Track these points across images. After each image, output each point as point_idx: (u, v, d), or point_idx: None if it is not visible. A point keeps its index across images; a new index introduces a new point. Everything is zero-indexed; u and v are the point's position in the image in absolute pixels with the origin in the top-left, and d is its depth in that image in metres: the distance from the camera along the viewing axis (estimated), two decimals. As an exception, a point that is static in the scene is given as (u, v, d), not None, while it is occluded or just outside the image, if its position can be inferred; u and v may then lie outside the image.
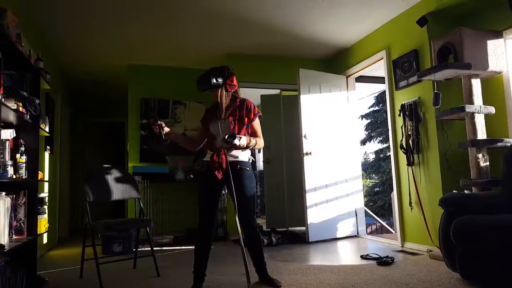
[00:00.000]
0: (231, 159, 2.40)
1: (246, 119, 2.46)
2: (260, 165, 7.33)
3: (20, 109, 2.27)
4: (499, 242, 2.12)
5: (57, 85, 4.84)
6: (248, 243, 2.46)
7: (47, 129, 2.95)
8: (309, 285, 2.47)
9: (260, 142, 2.51)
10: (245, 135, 2.43)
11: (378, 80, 5.04)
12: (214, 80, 2.37)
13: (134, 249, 3.38)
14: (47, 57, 3.95)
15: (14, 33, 2.27)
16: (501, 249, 2.12)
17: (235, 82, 2.47)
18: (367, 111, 16.09)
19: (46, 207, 2.91)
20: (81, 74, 5.40)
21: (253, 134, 2.50)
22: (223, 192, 2.56)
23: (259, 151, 6.09)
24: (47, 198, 3.04)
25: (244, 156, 2.47)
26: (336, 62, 5.00)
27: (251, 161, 2.51)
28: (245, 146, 2.35)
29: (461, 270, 2.37)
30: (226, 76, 2.42)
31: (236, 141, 2.25)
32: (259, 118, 2.52)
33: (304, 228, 4.35)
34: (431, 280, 2.49)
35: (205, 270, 2.42)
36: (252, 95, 5.55)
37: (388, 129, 4.10)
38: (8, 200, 2.18)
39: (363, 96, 7.00)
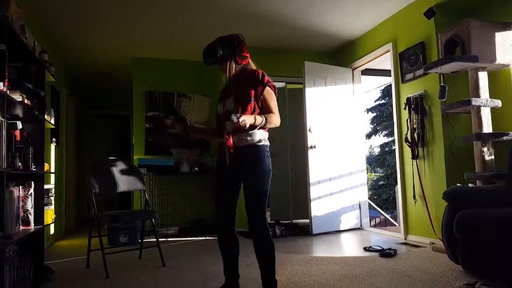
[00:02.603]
0: (240, 144, 1.98)
1: (252, 91, 1.99)
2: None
3: (25, 101, 2.29)
4: (502, 236, 2.11)
5: (62, 78, 4.87)
6: (255, 248, 2.02)
7: (52, 121, 2.98)
8: (312, 276, 2.50)
9: (273, 119, 1.99)
10: (253, 112, 1.97)
11: (384, 73, 4.99)
12: (221, 52, 2.02)
13: (139, 240, 3.42)
14: (52, 50, 3.97)
15: (18, 25, 2.28)
16: (504, 242, 2.12)
17: (246, 52, 2.07)
18: (373, 104, 16.01)
19: (52, 198, 2.96)
20: (86, 67, 5.42)
21: (264, 109, 2.00)
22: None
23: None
24: (53, 190, 3.09)
25: (255, 137, 1.99)
26: (342, 54, 4.96)
27: (265, 144, 2.03)
28: (248, 125, 1.86)
29: (463, 262, 2.37)
30: (235, 45, 2.04)
31: (234, 119, 1.80)
32: (271, 89, 2.03)
33: (307, 220, 4.36)
34: (434, 272, 2.50)
35: (232, 272, 2.08)
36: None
37: (393, 123, 4.08)
38: (15, 191, 2.22)
39: (369, 89, 6.97)
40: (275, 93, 2.04)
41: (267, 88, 2.00)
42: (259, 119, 1.91)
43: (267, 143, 2.05)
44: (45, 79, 2.76)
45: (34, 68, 2.60)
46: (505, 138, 2.94)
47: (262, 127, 1.96)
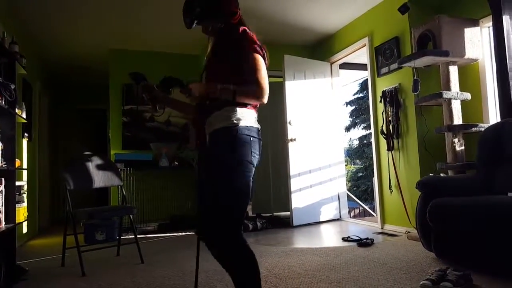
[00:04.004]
0: (210, 129, 1.49)
1: (229, 53, 1.49)
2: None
3: (-6, 94, 2.20)
4: (472, 223, 2.21)
5: (35, 71, 4.69)
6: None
7: (24, 115, 2.87)
8: (292, 267, 2.53)
9: (249, 90, 1.44)
10: (224, 81, 1.43)
11: (362, 67, 5.08)
12: (198, 8, 1.53)
13: (117, 237, 3.37)
14: (24, 42, 3.81)
15: (-16, 15, 2.18)
16: (473, 229, 2.22)
17: (235, 7, 1.59)
18: (352, 98, 16.27)
19: (25, 195, 2.86)
20: (60, 59, 5.24)
21: (241, 77, 1.44)
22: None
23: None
24: (25, 187, 2.99)
25: (219, 119, 1.46)
26: (321, 48, 5.00)
27: (243, 125, 1.44)
28: (202, 93, 1.45)
29: (436, 249, 2.47)
30: None
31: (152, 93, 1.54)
32: (257, 52, 1.46)
33: (288, 213, 4.41)
34: (408, 259, 2.58)
35: None
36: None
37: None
38: (-16, 189, 2.14)
39: (347, 83, 7.07)
40: (264, 57, 1.49)
41: (250, 52, 1.45)
42: (223, 87, 1.41)
43: (249, 123, 1.46)
44: (15, 72, 2.65)
45: (3, 60, 2.51)
46: (474, 129, 3.06)
47: (235, 100, 1.42)
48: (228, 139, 1.43)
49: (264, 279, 2.30)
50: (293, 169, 4.34)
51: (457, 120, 3.11)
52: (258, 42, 1.49)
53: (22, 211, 2.68)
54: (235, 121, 1.43)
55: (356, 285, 2.09)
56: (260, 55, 1.47)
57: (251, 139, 1.45)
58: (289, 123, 4.36)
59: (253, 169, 1.48)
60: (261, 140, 1.52)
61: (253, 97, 1.46)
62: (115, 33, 4.44)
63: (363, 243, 3.15)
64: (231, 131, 1.43)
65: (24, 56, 2.90)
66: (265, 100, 1.45)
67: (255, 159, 1.48)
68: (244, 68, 1.44)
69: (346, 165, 5.12)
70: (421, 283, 1.98)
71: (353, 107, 16.26)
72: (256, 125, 1.51)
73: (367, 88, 5.76)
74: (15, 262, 2.58)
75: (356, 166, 16.65)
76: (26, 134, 4.16)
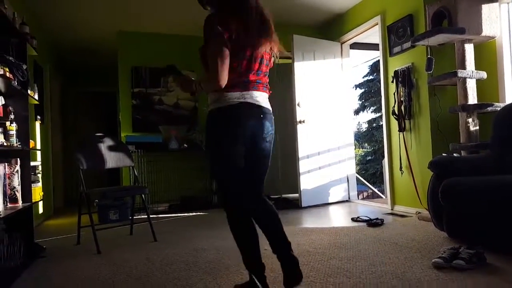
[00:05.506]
0: None
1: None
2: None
3: (7, 74, 2.21)
4: (484, 202, 2.20)
5: (45, 54, 4.70)
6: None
7: (36, 97, 2.89)
8: (301, 245, 2.56)
9: (206, 83, 1.62)
10: None
11: (373, 47, 4.98)
12: None
13: (130, 217, 3.43)
14: (34, 24, 3.81)
15: (-5, -5, 2.18)
16: (485, 208, 2.21)
17: None
18: (361, 80, 16.05)
19: (39, 175, 2.92)
20: (70, 42, 5.23)
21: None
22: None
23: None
24: (40, 167, 3.04)
25: (209, 102, 1.68)
26: (331, 28, 4.91)
27: (213, 107, 1.63)
28: (185, 90, 1.71)
29: (448, 228, 2.47)
30: None
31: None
32: (214, 38, 1.55)
33: (297, 194, 4.43)
34: (419, 239, 2.58)
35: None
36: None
37: (381, 98, 4.11)
38: (0, 168, 2.18)
39: (358, 64, 6.96)
40: (217, 38, 1.54)
41: (208, 40, 1.56)
42: (196, 83, 1.64)
43: (217, 105, 1.59)
44: (26, 53, 2.66)
45: (14, 41, 2.50)
46: (489, 109, 3.00)
47: (203, 90, 1.63)
48: (207, 121, 1.65)
49: (273, 256, 2.33)
50: (302, 151, 4.33)
51: (472, 99, 3.05)
52: (219, 27, 1.55)
53: (37, 191, 2.73)
54: (210, 106, 1.64)
55: (367, 262, 2.11)
56: (217, 39, 1.54)
57: (219, 119, 1.61)
58: (298, 104, 4.33)
59: (228, 145, 1.60)
60: (234, 115, 1.59)
61: (209, 85, 1.59)
62: (124, 14, 4.40)
63: (373, 223, 3.16)
64: (208, 114, 1.65)
65: (34, 38, 2.90)
66: (220, 83, 1.52)
67: (228, 135, 1.59)
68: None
69: (354, 149, 5.09)
70: (433, 261, 1.99)
71: (363, 90, 16.06)
72: (232, 102, 1.58)
73: (377, 70, 5.66)
74: (33, 240, 2.66)
75: (365, 150, 16.58)
76: (38, 117, 4.21)
